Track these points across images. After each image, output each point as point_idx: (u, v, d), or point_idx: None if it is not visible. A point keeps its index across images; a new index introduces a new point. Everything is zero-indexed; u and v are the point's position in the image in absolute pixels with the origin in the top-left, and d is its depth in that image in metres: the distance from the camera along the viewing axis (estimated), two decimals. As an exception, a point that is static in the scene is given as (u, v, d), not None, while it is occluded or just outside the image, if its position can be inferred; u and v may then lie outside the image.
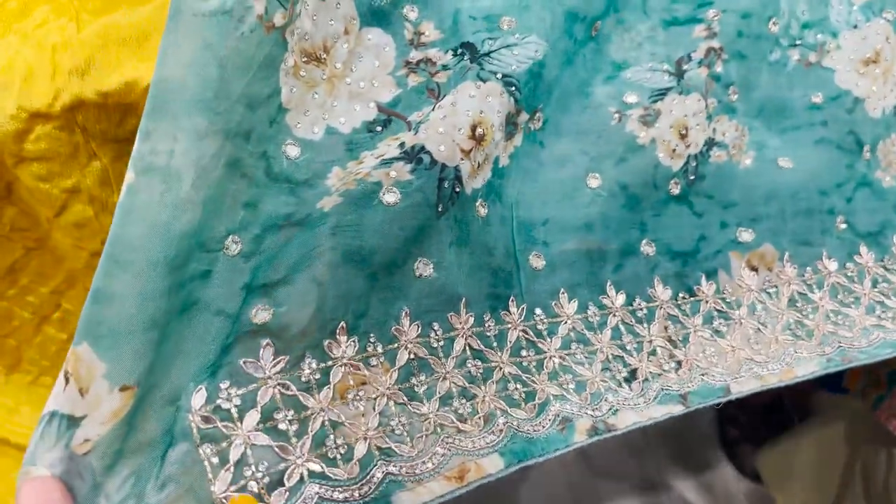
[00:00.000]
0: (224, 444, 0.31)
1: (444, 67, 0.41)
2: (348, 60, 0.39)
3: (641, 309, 0.44)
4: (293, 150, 0.36)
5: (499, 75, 0.41)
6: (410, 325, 0.36)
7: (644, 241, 0.46)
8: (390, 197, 0.36)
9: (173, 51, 0.31)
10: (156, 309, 0.30)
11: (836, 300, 0.49)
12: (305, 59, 0.37)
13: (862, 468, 0.79)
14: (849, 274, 0.51)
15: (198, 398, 0.31)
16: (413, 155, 0.37)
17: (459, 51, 0.41)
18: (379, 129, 0.39)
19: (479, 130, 0.39)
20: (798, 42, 0.55)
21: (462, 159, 0.38)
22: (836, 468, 0.83)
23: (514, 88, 0.41)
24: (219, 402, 0.31)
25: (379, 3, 0.40)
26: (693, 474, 1.13)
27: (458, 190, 0.38)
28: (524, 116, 0.43)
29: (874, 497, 0.76)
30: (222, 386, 0.32)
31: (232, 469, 0.31)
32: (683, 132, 0.48)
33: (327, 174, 0.37)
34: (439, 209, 0.37)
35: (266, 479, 0.31)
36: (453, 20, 0.42)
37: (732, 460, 1.13)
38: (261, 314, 0.33)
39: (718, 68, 0.50)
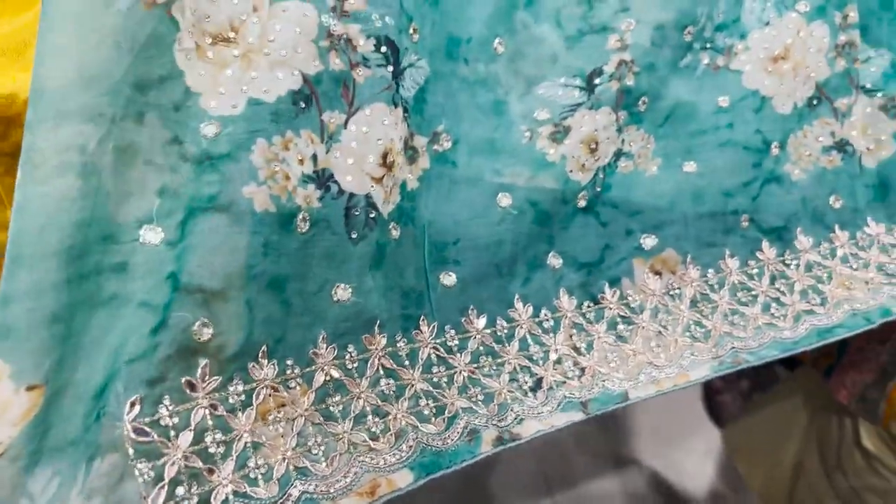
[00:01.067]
0: (160, 462, 0.32)
1: (364, 62, 0.40)
2: (264, 33, 0.38)
3: (548, 319, 0.46)
4: (211, 129, 0.35)
5: (404, 100, 0.42)
6: (327, 348, 0.38)
7: (551, 254, 0.48)
8: (304, 225, 0.37)
9: (49, 35, 0.31)
10: (55, 302, 0.30)
11: (734, 299, 0.51)
12: (211, 40, 0.36)
13: (818, 435, 0.83)
14: (749, 272, 0.53)
15: (132, 409, 0.32)
16: (323, 180, 0.38)
17: (383, 49, 0.41)
18: (303, 105, 0.38)
19: (389, 158, 0.40)
20: (708, 46, 0.55)
21: (373, 186, 0.39)
22: (794, 436, 0.87)
23: (407, 114, 0.42)
24: (157, 417, 0.33)
25: None
26: (663, 449, 1.19)
27: (373, 216, 0.39)
28: (420, 140, 0.44)
29: (830, 463, 0.80)
30: (164, 401, 0.33)
31: (166, 487, 0.32)
32: (593, 146, 0.49)
33: (251, 146, 0.36)
34: (353, 236, 0.39)
35: (195, 500, 0.33)
36: None
37: (712, 412, 1.18)
38: (204, 331, 0.34)
39: (629, 81, 0.51)
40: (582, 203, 0.49)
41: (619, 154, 0.52)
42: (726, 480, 1.15)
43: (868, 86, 0.60)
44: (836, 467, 0.79)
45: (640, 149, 0.53)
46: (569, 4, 0.53)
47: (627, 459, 1.17)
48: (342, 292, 0.39)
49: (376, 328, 0.40)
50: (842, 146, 0.57)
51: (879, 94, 0.59)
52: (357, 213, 0.39)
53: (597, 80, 0.51)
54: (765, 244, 0.54)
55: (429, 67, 0.45)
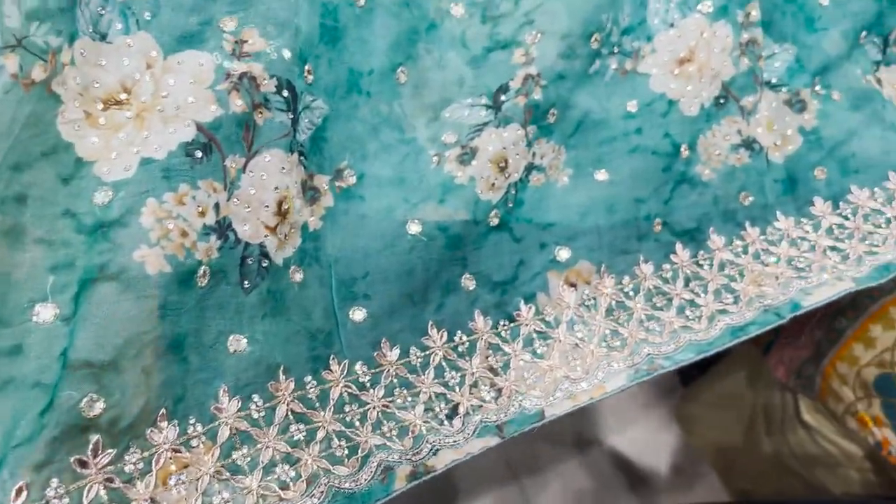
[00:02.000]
0: None
1: (266, 103, 0.40)
2: (157, 90, 0.37)
3: (463, 343, 0.46)
4: (104, 196, 0.35)
5: (300, 144, 0.41)
6: (230, 401, 0.37)
7: (465, 276, 0.47)
8: (204, 279, 0.36)
9: None
10: None
11: (649, 304, 0.51)
12: (102, 106, 0.36)
13: (763, 410, 0.84)
14: (664, 275, 0.53)
15: (18, 496, 0.31)
16: (223, 229, 0.37)
17: (284, 93, 0.40)
18: (199, 154, 0.37)
19: (284, 205, 0.39)
20: (616, 50, 0.55)
21: (266, 235, 0.38)
22: (741, 411, 0.88)
23: (303, 157, 0.41)
24: (44, 501, 0.32)
25: (186, 27, 0.39)
26: (623, 427, 1.20)
27: (265, 265, 0.38)
28: (322, 179, 0.44)
29: (775, 436, 0.81)
30: (51, 484, 0.32)
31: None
32: (503, 165, 0.48)
33: (141, 208, 0.35)
34: (245, 285, 0.38)
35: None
36: (278, 32, 0.41)
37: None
38: (94, 405, 0.33)
39: (537, 95, 0.51)
40: (494, 221, 0.48)
41: (530, 168, 0.51)
42: (684, 453, 1.17)
43: (773, 81, 0.60)
44: (782, 440, 0.81)
45: (551, 161, 0.52)
46: (472, 24, 0.52)
47: (589, 440, 1.19)
48: (237, 343, 0.38)
49: (281, 374, 0.39)
50: (749, 143, 0.58)
51: (784, 89, 0.60)
52: (251, 263, 0.38)
53: (503, 97, 0.50)
54: (678, 247, 0.54)
55: (327, 106, 0.44)
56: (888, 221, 0.57)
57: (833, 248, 0.56)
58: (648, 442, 1.19)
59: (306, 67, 0.42)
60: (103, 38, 0.37)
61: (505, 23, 0.52)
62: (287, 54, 0.41)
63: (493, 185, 0.48)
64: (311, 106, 0.43)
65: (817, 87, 0.61)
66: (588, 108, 0.54)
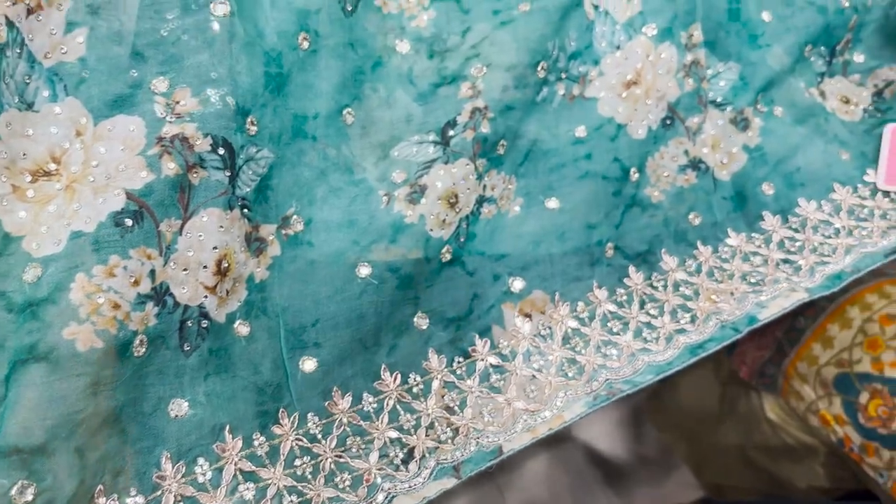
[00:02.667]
0: None
1: (201, 163, 0.38)
2: (87, 159, 0.36)
3: (418, 384, 0.45)
4: (33, 273, 0.34)
5: (241, 201, 0.40)
6: (173, 468, 0.36)
7: (417, 316, 0.46)
8: (141, 348, 0.35)
9: None
10: None
11: (606, 329, 0.51)
12: (30, 178, 0.35)
13: (729, 405, 0.85)
14: (619, 300, 0.53)
15: None
16: (161, 295, 0.36)
17: (220, 151, 0.39)
18: (129, 222, 0.36)
19: (224, 264, 0.38)
20: (563, 76, 0.55)
21: (206, 296, 0.37)
22: (708, 407, 0.89)
23: (247, 210, 0.40)
24: None
25: (116, 91, 0.38)
26: (597, 424, 1.20)
27: (205, 325, 0.37)
28: (268, 229, 0.43)
29: (741, 431, 0.82)
30: None
31: None
32: (453, 200, 0.48)
33: (69, 284, 0.34)
34: (185, 348, 0.37)
35: None
36: (213, 89, 0.40)
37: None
38: (26, 492, 0.32)
39: (485, 128, 0.50)
40: (447, 257, 0.47)
41: (481, 200, 0.50)
42: (657, 447, 1.18)
43: (718, 100, 0.60)
44: (748, 436, 0.82)
45: (502, 191, 0.52)
46: (419, 60, 0.52)
47: (562, 436, 1.19)
48: (178, 407, 0.37)
49: (227, 433, 0.38)
50: (696, 164, 0.58)
51: (729, 108, 0.60)
52: (190, 325, 0.37)
53: (451, 132, 0.49)
54: (631, 270, 0.54)
55: (273, 154, 0.43)
56: (837, 232, 0.58)
57: (785, 261, 0.56)
58: (621, 436, 1.20)
59: (249, 119, 0.41)
60: (30, 107, 0.36)
61: (451, 57, 0.52)
62: (224, 110, 0.39)
63: (444, 221, 0.47)
64: (256, 157, 0.42)
65: (759, 105, 0.61)
66: (537, 137, 0.54)
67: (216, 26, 0.41)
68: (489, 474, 1.13)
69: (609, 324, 0.51)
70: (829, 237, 0.58)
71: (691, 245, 0.57)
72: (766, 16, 0.63)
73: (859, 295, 0.71)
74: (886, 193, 0.59)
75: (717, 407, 0.89)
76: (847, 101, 0.65)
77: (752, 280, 0.55)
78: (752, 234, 0.58)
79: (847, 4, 0.64)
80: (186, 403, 0.37)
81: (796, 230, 0.58)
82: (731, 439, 0.86)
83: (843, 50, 0.66)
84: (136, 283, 0.35)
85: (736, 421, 0.85)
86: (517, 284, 0.50)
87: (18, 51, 0.36)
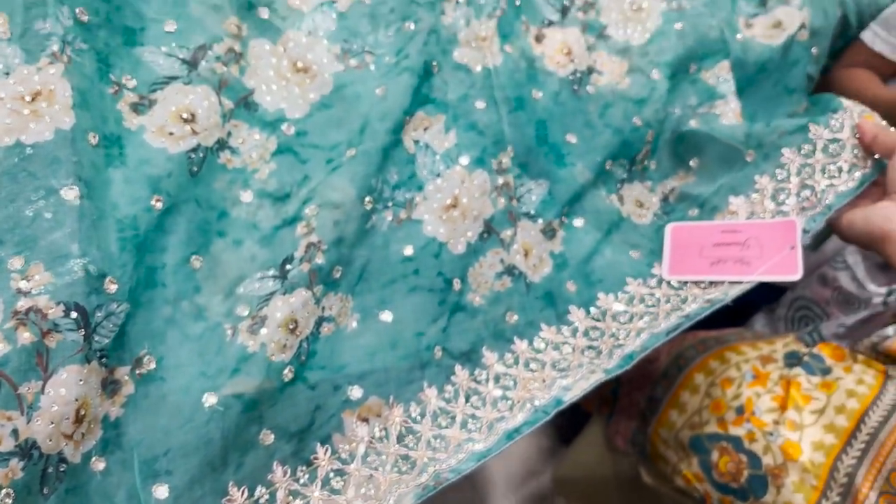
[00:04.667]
0: None
1: (55, 328, 0.43)
2: None
3: (263, 496, 0.49)
4: None
5: (98, 353, 0.44)
6: None
7: (262, 433, 0.51)
8: (7, 500, 0.38)
9: None
10: None
11: (436, 424, 0.57)
12: None
13: (617, 474, 0.89)
14: (446, 396, 0.59)
15: None
16: (27, 450, 0.39)
17: (73, 315, 0.43)
18: None
19: (81, 412, 0.42)
20: (390, 204, 0.61)
21: (66, 443, 0.41)
22: (604, 476, 0.93)
23: (104, 359, 0.45)
24: None
25: None
26: (514, 495, 1.24)
27: (63, 469, 0.41)
28: (122, 371, 0.47)
29: (636, 499, 0.85)
30: None
31: None
32: (293, 326, 0.53)
33: None
34: (44, 491, 0.40)
35: None
36: (65, 262, 0.44)
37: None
38: None
39: (319, 260, 0.55)
40: (289, 377, 0.52)
41: (320, 321, 0.55)
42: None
43: (531, 213, 0.69)
44: (639, 501, 0.86)
45: (339, 309, 0.57)
46: (262, 207, 0.57)
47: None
48: None
49: None
50: (510, 270, 0.65)
51: (539, 220, 0.69)
52: (50, 471, 0.40)
53: (288, 267, 0.54)
54: (458, 368, 0.60)
55: (128, 304, 0.47)
56: (630, 318, 0.66)
57: (589, 347, 0.64)
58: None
59: (107, 279, 0.46)
60: None
61: (290, 202, 0.58)
62: (77, 278, 0.44)
63: (285, 346, 0.52)
64: (116, 311, 0.46)
65: (564, 217, 0.70)
66: (369, 259, 0.59)
67: (68, 208, 0.46)
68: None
69: (439, 419, 0.57)
70: (625, 323, 0.66)
71: (509, 341, 0.64)
72: (570, 137, 0.73)
73: (703, 362, 0.79)
74: (669, 282, 0.69)
75: (611, 474, 0.93)
76: (640, 205, 0.75)
77: (560, 367, 0.62)
78: (561, 326, 0.66)
79: (640, 123, 0.75)
80: None
81: (597, 320, 0.66)
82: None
83: (642, 159, 0.76)
84: None
85: (619, 488, 0.91)
86: (355, 393, 0.55)
87: None
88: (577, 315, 0.67)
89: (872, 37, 0.95)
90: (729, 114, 0.77)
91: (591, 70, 0.77)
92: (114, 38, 0.55)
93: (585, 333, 0.66)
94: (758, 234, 0.66)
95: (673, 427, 0.76)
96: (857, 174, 0.65)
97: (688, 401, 0.76)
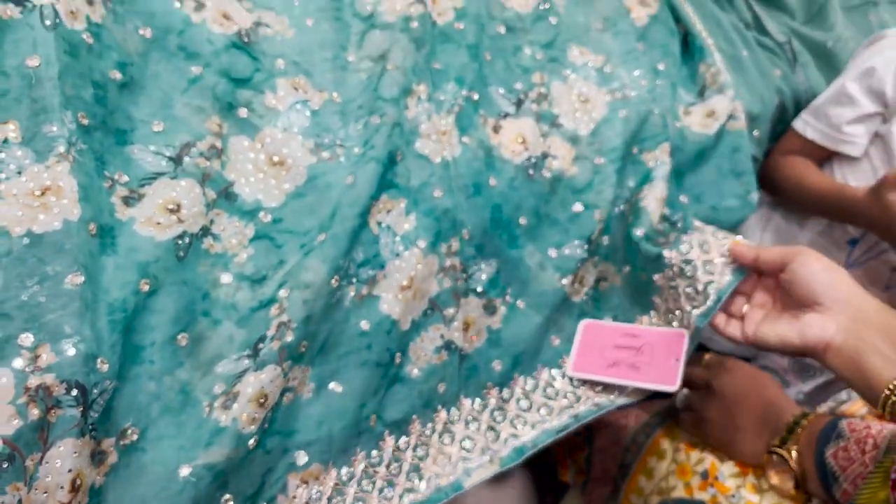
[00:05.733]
0: None
1: (57, 404, 0.46)
2: None
3: None
4: None
5: (91, 426, 0.47)
6: None
7: (224, 497, 0.54)
8: None
9: None
10: None
11: (359, 487, 0.60)
12: None
13: None
14: (373, 461, 0.62)
15: None
16: None
17: (74, 392, 0.46)
18: (5, 464, 0.42)
19: (78, 482, 0.46)
20: (354, 280, 0.64)
21: None
22: None
23: (94, 431, 0.48)
24: None
25: None
26: None
27: None
28: (108, 442, 0.50)
29: None
30: None
31: None
32: (262, 400, 0.55)
33: None
34: None
35: None
36: (68, 343, 0.47)
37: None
38: None
39: (289, 338, 0.58)
40: (252, 444, 0.55)
41: (284, 391, 0.58)
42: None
43: (478, 290, 0.73)
44: None
45: (299, 380, 0.60)
46: (240, 289, 0.61)
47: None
48: None
49: None
50: (448, 345, 0.69)
51: (485, 297, 0.73)
52: None
53: (261, 346, 0.58)
54: (387, 434, 0.64)
55: (116, 381, 0.50)
56: (530, 406, 0.72)
57: (490, 428, 0.68)
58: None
59: (99, 360, 0.49)
60: None
61: (267, 285, 0.61)
62: (77, 358, 0.48)
63: (255, 418, 0.55)
64: (108, 388, 0.50)
65: (508, 297, 0.75)
66: (330, 332, 0.62)
67: (71, 293, 0.50)
68: None
69: (363, 482, 0.61)
70: (525, 410, 0.70)
71: (434, 410, 0.67)
72: (523, 220, 0.77)
73: (668, 428, 0.81)
74: (571, 379, 0.73)
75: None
76: (581, 282, 0.81)
77: (466, 446, 0.66)
78: (476, 399, 0.70)
79: (583, 208, 0.81)
80: None
81: (505, 401, 0.73)
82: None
83: (596, 238, 0.82)
84: None
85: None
86: (301, 458, 0.58)
87: None
88: (491, 393, 0.73)
89: (803, 125, 1.04)
90: (652, 201, 0.82)
91: (545, 155, 0.84)
92: (108, 139, 0.61)
93: (492, 413, 0.70)
94: (652, 342, 0.72)
95: (642, 493, 0.77)
96: (712, 290, 0.70)
97: (655, 466, 0.77)
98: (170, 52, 0.68)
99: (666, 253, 0.76)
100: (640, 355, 0.71)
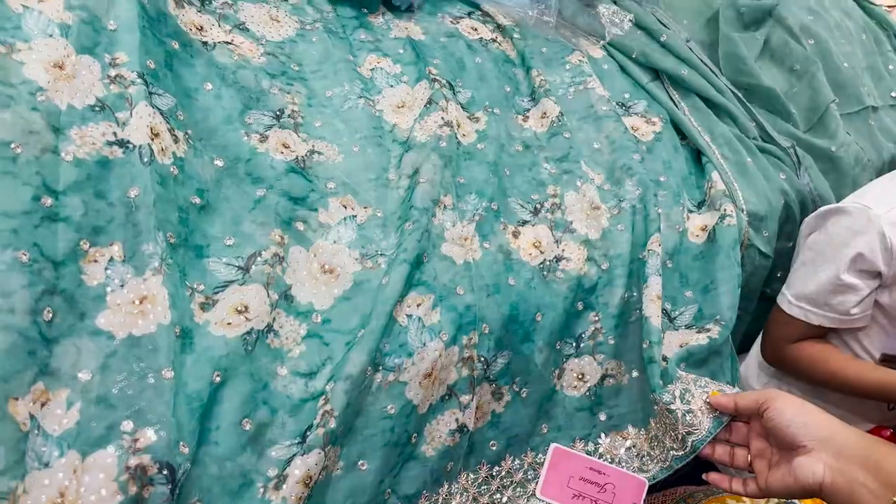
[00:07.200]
0: None
1: (151, 482, 0.55)
2: (78, 489, 0.52)
3: None
4: None
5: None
6: None
7: None
8: None
9: None
10: None
11: None
12: None
13: None
14: None
15: None
16: None
17: (164, 472, 0.55)
18: None
19: None
20: (380, 368, 0.70)
21: None
22: None
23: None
24: None
25: (97, 432, 0.54)
26: None
27: None
28: None
29: None
30: None
31: None
32: (308, 482, 0.61)
33: None
34: None
35: None
36: (160, 427, 0.57)
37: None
38: None
39: (331, 424, 0.65)
40: None
41: (322, 469, 0.64)
42: None
43: (492, 377, 0.79)
44: None
45: (331, 458, 0.65)
46: (294, 382, 0.69)
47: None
48: None
49: None
50: (461, 428, 0.75)
51: (495, 384, 0.80)
52: None
53: (308, 433, 0.65)
54: None
55: (188, 464, 0.58)
56: (512, 484, 0.79)
57: (475, 500, 0.75)
58: None
59: (181, 444, 0.57)
60: (46, 465, 0.53)
61: (317, 379, 0.69)
62: (166, 442, 0.56)
63: (300, 497, 0.62)
64: (187, 469, 0.57)
65: (514, 385, 0.82)
66: (359, 415, 0.69)
67: (163, 386, 0.60)
68: None
69: None
70: (507, 486, 0.79)
71: (440, 485, 0.74)
72: (538, 317, 0.84)
73: None
74: (539, 498, 0.76)
75: None
76: (581, 378, 0.86)
77: None
78: (471, 475, 0.77)
79: (583, 307, 0.88)
80: None
81: (492, 477, 0.81)
82: None
83: (593, 335, 0.87)
84: None
85: None
86: None
87: (36, 432, 0.56)
88: (483, 468, 0.81)
89: (804, 313, 1.04)
90: (649, 305, 0.87)
91: (559, 258, 0.92)
92: (189, 254, 0.71)
93: (479, 486, 0.78)
94: (615, 482, 0.74)
95: None
96: (690, 441, 0.75)
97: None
98: (239, 178, 0.79)
99: (652, 396, 0.81)
100: (602, 493, 0.74)
